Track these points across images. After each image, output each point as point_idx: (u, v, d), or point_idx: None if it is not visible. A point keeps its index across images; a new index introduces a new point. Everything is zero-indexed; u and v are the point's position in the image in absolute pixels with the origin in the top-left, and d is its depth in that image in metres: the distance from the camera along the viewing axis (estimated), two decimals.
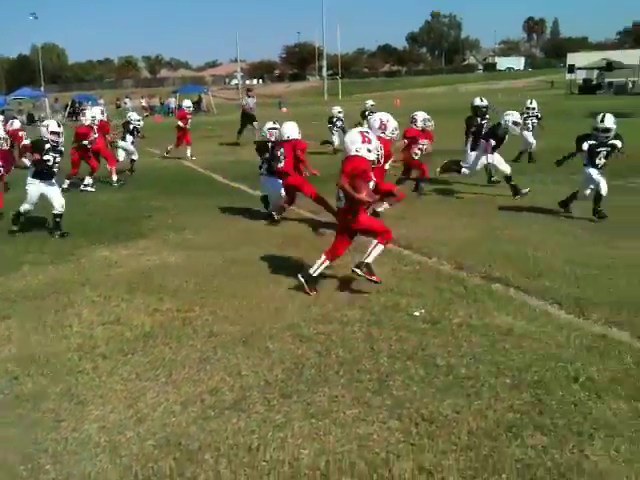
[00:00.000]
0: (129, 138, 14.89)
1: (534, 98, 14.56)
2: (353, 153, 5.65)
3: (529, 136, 13.43)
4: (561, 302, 5.29)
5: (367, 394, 3.86)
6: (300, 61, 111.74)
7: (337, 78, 70.66)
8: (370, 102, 17.40)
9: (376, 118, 7.92)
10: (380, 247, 5.74)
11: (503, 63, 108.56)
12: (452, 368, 4.17)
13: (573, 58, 54.93)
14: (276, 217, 8.89)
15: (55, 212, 8.45)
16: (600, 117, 8.21)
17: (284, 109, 42.85)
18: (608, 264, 6.28)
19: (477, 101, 11.68)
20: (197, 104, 49.71)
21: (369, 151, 5.66)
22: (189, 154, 17.50)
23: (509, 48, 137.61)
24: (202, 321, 5.20)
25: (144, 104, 51.06)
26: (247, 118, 20.96)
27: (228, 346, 4.67)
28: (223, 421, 3.63)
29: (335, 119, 17.00)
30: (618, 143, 8.14)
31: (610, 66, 48.05)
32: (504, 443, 3.28)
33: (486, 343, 4.54)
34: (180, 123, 17.39)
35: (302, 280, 5.78)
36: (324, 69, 75.55)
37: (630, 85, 45.32)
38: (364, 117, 16.80)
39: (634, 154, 8.71)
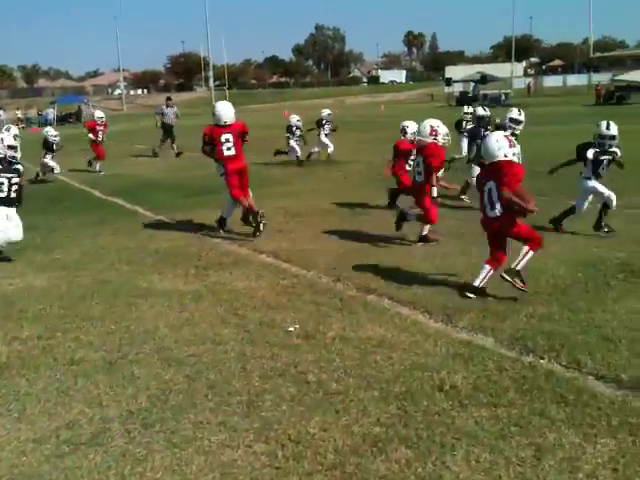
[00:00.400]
0: (49, 155, 15.08)
1: (471, 105, 13.16)
2: (502, 158, 5.51)
3: (465, 143, 12.26)
4: (431, 311, 5.40)
5: (235, 418, 3.74)
6: (186, 71, 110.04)
7: (224, 89, 70.28)
8: (327, 111, 16.65)
9: (426, 125, 7.59)
10: (531, 254, 5.60)
11: (386, 76, 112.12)
12: (322, 384, 4.12)
13: (450, 71, 57.78)
14: (260, 227, 8.20)
15: None
16: (605, 124, 7.71)
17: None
18: (474, 272, 6.50)
19: (480, 111, 10.96)
20: (76, 115, 48.04)
21: (514, 155, 5.55)
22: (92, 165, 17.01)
23: (391, 61, 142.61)
24: (64, 348, 4.87)
25: (19, 116, 48.67)
26: (166, 131, 20.39)
27: (90, 374, 4.40)
28: (78, 457, 3.39)
29: (294, 128, 16.05)
30: (618, 151, 7.76)
31: (484, 79, 50.89)
32: (369, 459, 3.26)
33: (357, 356, 4.55)
34: (91, 135, 16.77)
35: (470, 296, 5.65)
36: (211, 79, 74.94)
37: (503, 97, 47.93)
38: (320, 126, 16.21)
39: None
